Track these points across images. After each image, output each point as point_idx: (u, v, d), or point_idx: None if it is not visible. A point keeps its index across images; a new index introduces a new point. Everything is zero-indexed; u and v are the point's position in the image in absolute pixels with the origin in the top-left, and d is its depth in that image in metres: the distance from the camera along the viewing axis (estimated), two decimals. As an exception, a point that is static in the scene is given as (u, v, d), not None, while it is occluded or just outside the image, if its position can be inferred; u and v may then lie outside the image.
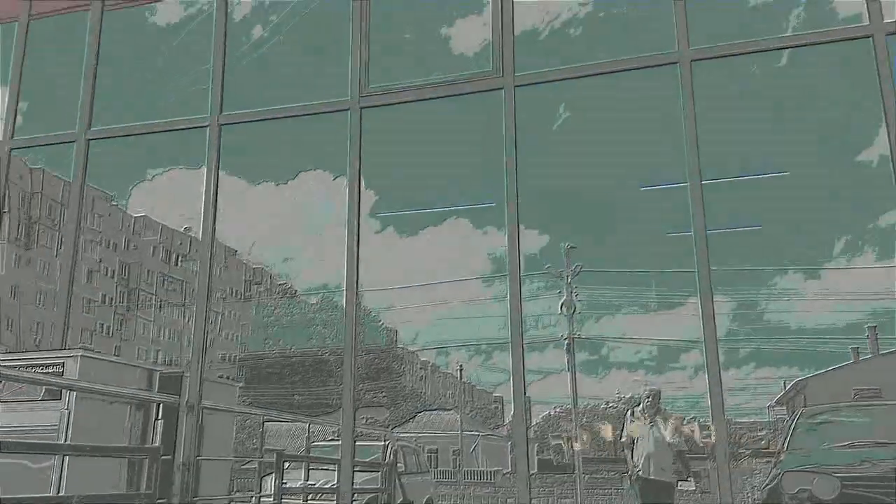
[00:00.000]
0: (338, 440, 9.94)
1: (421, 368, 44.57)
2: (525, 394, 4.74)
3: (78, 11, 6.01)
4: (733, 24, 4.83)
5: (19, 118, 5.82)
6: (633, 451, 6.50)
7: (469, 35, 5.74)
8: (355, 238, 4.80)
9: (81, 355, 4.10)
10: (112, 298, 39.95)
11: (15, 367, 4.05)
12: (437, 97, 4.98)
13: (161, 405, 4.54)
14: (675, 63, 4.46)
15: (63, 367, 4.09)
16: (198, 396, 4.79)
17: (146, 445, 4.20)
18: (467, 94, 4.97)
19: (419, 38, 6.68)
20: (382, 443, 8.76)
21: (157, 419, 4.53)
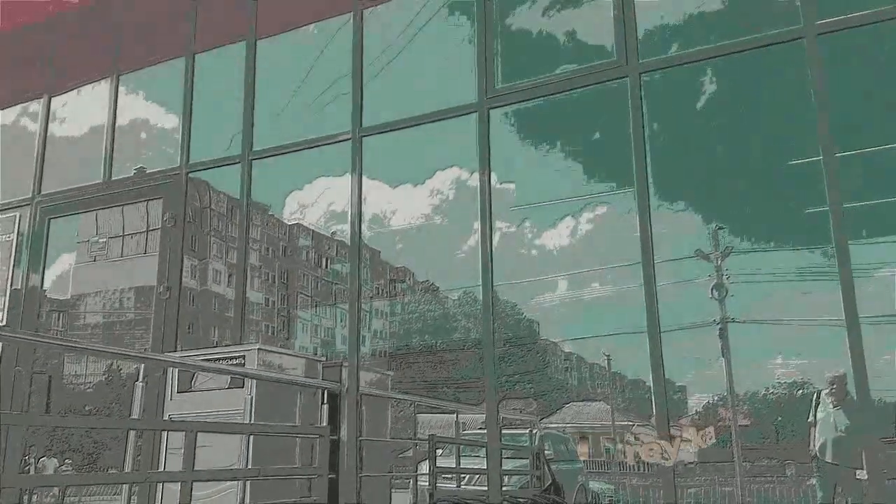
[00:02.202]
0: (513, 430, 10.32)
1: (565, 360, 44.38)
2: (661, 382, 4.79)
3: (237, 43, 6.73)
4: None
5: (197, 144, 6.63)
6: (815, 434, 6.65)
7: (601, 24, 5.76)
8: (488, 241, 5.08)
9: (259, 348, 4.69)
10: (274, 301, 43.22)
11: (208, 359, 4.72)
12: (561, 92, 5.16)
13: (325, 391, 5.08)
14: (802, 38, 4.38)
15: (244, 359, 4.70)
16: (356, 383, 5.30)
17: (316, 426, 4.73)
18: (592, 85, 5.11)
19: (549, 28, 6.85)
20: (528, 430, 9.03)
21: (322, 403, 5.08)
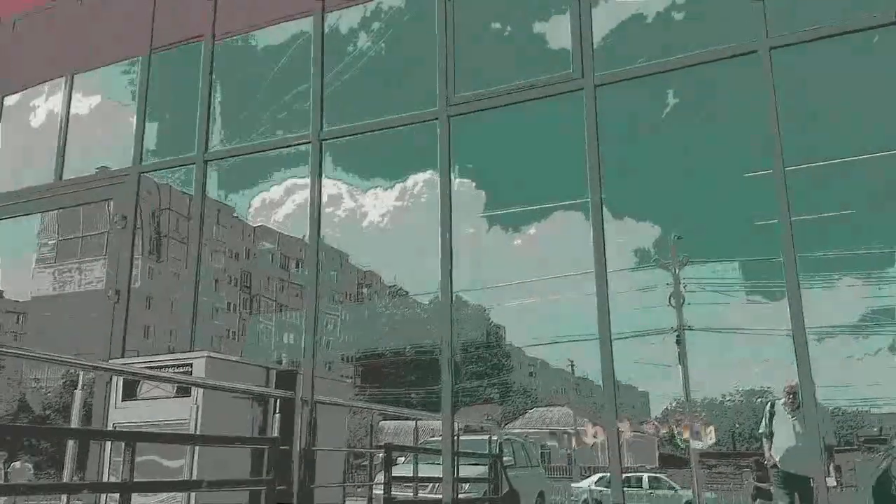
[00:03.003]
0: (472, 435, 10.28)
1: (530, 364, 44.61)
2: (613, 389, 4.81)
3: (194, 42, 6.59)
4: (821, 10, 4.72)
5: (152, 143, 6.49)
6: (771, 444, 6.65)
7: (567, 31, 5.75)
8: (448, 246, 5.04)
9: (207, 356, 4.58)
10: (236, 305, 42.67)
11: (152, 367, 4.59)
12: (519, 101, 5.15)
13: (278, 400, 4.98)
14: (755, 52, 4.42)
15: (192, 367, 4.59)
16: (311, 391, 5.20)
17: (265, 436, 4.63)
18: (550, 97, 5.11)
19: (513, 35, 6.84)
20: (488, 437, 9.02)
21: (275, 413, 4.97)
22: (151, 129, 6.57)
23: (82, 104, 7.26)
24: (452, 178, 5.18)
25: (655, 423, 39.17)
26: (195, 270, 5.94)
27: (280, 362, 5.87)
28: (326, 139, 5.71)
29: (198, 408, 4.32)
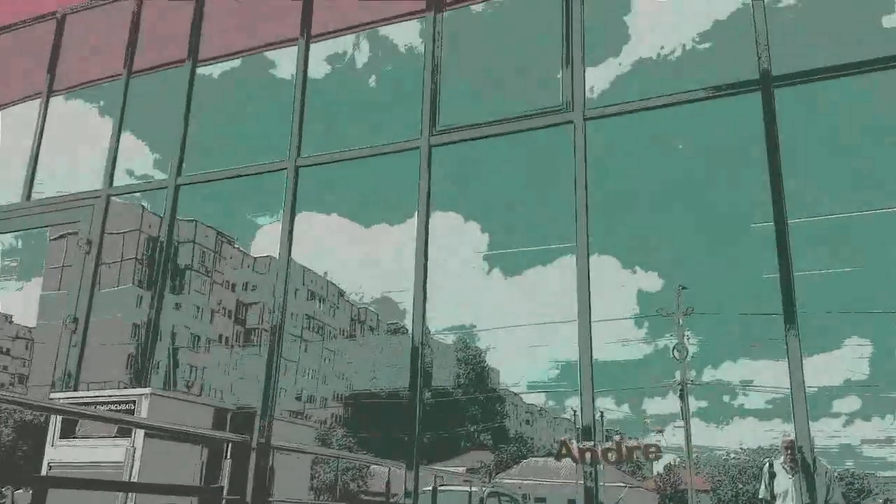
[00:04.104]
0: (453, 486, 9.76)
1: (527, 412, 43.70)
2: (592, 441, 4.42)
3: (173, 68, 6.38)
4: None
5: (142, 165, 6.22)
6: None
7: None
8: (422, 274, 4.72)
9: (151, 393, 4.20)
10: (228, 338, 42.12)
11: (89, 404, 4.21)
12: (504, 133, 4.87)
13: (230, 444, 4.57)
14: (757, 89, 4.13)
15: (135, 404, 4.20)
16: (267, 435, 4.80)
17: (205, 485, 4.21)
18: (536, 129, 4.83)
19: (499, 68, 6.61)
20: (468, 489, 8.51)
21: (225, 458, 4.56)
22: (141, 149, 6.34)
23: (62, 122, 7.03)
24: (429, 211, 4.86)
25: (656, 479, 38.05)
26: (157, 297, 5.59)
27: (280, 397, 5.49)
28: (303, 165, 5.43)
29: (134, 450, 3.93)
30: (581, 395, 4.16)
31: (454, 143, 5.00)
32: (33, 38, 6.97)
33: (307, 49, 5.86)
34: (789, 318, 3.67)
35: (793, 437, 6.05)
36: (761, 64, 4.26)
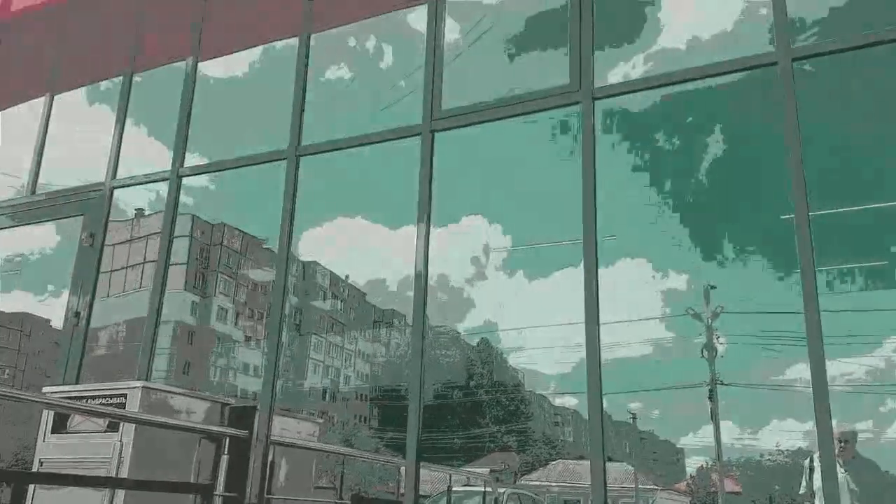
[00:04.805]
0: (469, 486, 9.61)
1: (555, 414, 43.12)
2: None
3: (176, 62, 6.29)
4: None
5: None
6: None
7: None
8: (423, 261, 4.53)
9: (142, 387, 4.07)
10: (250, 337, 42.23)
11: (79, 398, 4.09)
12: (509, 116, 4.64)
13: (228, 439, 4.42)
14: (775, 64, 3.86)
15: (126, 398, 4.07)
16: (267, 430, 4.65)
17: (197, 482, 4.07)
18: (543, 111, 4.60)
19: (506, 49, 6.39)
20: (483, 489, 8.29)
21: (223, 454, 4.41)
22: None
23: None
24: (433, 196, 4.66)
25: (689, 482, 37.17)
26: (158, 291, 5.47)
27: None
28: (303, 154, 5.27)
29: (122, 446, 3.79)
30: (589, 396, 3.93)
31: (457, 127, 4.80)
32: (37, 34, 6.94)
33: (308, 39, 5.73)
34: (811, 324, 3.40)
35: (845, 428, 5.74)
36: (780, 40, 4.00)
